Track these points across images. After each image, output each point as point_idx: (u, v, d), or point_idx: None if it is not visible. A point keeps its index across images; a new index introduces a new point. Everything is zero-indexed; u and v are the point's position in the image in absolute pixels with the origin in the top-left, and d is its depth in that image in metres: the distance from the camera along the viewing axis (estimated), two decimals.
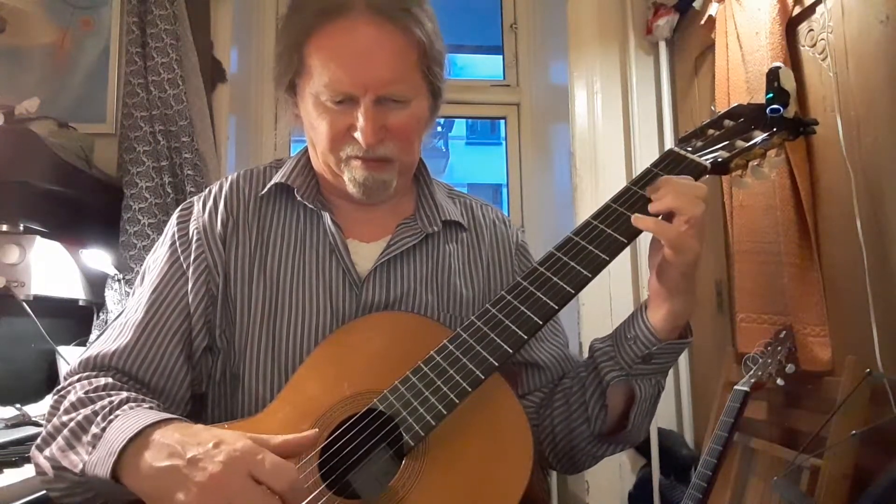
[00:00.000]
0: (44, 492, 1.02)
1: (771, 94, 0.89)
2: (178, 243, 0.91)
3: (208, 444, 0.66)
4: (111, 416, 0.73)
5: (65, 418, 0.77)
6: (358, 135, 0.85)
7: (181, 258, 0.90)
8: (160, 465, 0.66)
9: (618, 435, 0.90)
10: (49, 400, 0.83)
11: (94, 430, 0.73)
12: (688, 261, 0.78)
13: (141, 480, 0.67)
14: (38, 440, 0.79)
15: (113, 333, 0.87)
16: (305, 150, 0.98)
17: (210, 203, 0.94)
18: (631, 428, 0.88)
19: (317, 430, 0.72)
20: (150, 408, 0.76)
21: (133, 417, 0.72)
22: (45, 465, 0.76)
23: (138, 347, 0.85)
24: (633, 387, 0.85)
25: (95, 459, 0.71)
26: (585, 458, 0.93)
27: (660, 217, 0.79)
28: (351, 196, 0.92)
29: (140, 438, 0.69)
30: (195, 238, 0.91)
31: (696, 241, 0.78)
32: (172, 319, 0.87)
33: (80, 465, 0.72)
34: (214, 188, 0.97)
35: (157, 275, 0.90)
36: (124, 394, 0.78)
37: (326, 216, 0.93)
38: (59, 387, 0.83)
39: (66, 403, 0.79)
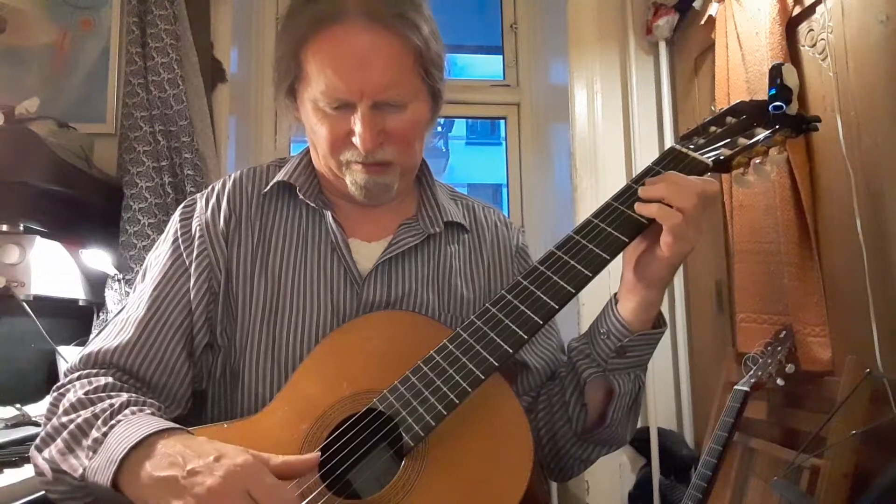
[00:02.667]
0: (44, 492, 1.02)
1: (774, 91, 0.89)
2: (180, 240, 0.91)
3: (209, 458, 0.66)
4: (112, 421, 0.73)
5: (64, 419, 0.77)
6: (356, 140, 0.84)
7: (183, 255, 0.90)
8: (160, 475, 0.66)
9: (598, 432, 0.89)
10: (49, 398, 0.82)
11: (94, 434, 0.73)
12: (683, 251, 0.78)
13: (140, 489, 0.67)
14: (38, 440, 0.78)
15: (114, 330, 0.87)
16: (307, 150, 0.98)
17: (213, 200, 0.94)
18: (610, 424, 0.87)
19: (318, 454, 0.71)
20: (152, 413, 0.76)
21: (135, 424, 0.72)
22: (45, 466, 0.76)
23: (140, 344, 0.85)
24: (611, 382, 0.85)
25: (96, 466, 0.70)
26: (572, 461, 0.92)
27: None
28: (353, 197, 0.92)
29: (142, 447, 0.69)
30: (198, 235, 0.91)
31: (695, 233, 0.78)
32: (174, 316, 0.87)
33: (80, 470, 0.72)
34: (217, 185, 0.97)
35: (158, 271, 0.90)
36: (125, 396, 0.78)
37: (328, 215, 0.93)
38: (58, 384, 0.83)
39: (65, 403, 0.78)
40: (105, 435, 0.72)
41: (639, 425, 2.02)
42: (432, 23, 0.88)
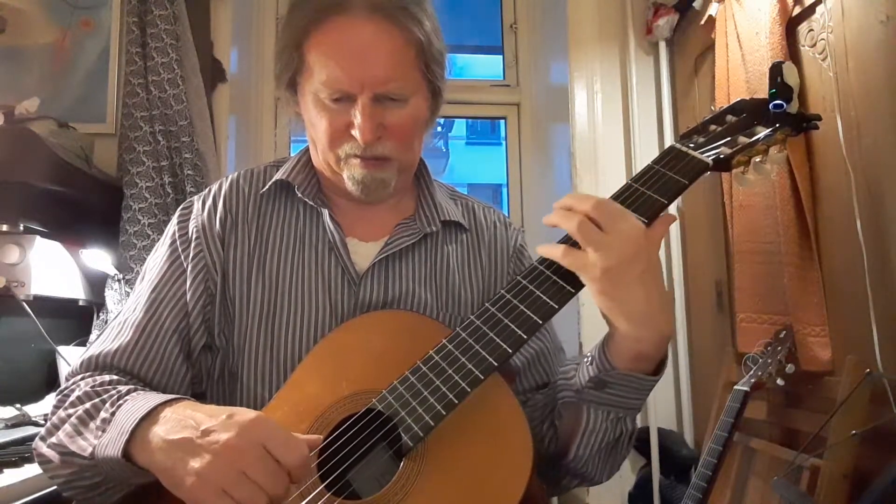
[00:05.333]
0: (43, 492, 1.02)
1: (774, 90, 0.89)
2: (178, 242, 0.91)
3: (221, 416, 0.67)
4: (120, 402, 0.74)
5: (71, 410, 0.78)
6: (356, 133, 0.85)
7: (181, 257, 0.90)
8: (173, 438, 0.67)
9: (564, 463, 0.85)
10: (52, 399, 0.82)
11: (103, 415, 0.74)
12: (591, 276, 0.72)
13: (153, 454, 0.68)
14: (42, 431, 0.79)
15: (112, 333, 0.87)
16: (307, 149, 0.98)
17: (209, 202, 0.94)
18: (573, 459, 0.82)
19: (321, 436, 0.72)
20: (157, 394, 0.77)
21: (142, 399, 0.73)
22: (50, 453, 0.76)
23: (139, 346, 0.85)
24: (581, 412, 0.81)
25: (106, 441, 0.71)
26: (545, 480, 0.88)
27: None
28: (351, 194, 0.92)
29: (151, 416, 0.70)
30: (194, 237, 0.91)
31: (586, 257, 0.72)
32: (171, 318, 0.87)
33: (90, 449, 0.72)
34: (214, 187, 0.97)
35: (156, 273, 0.90)
36: (131, 385, 0.79)
37: (325, 213, 0.93)
38: (61, 387, 0.83)
39: (71, 398, 0.79)
40: (113, 414, 0.73)
41: (639, 425, 2.02)
42: (434, 20, 0.89)
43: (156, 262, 0.92)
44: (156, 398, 0.73)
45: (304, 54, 0.86)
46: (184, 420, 0.68)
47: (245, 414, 0.67)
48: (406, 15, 0.84)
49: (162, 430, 0.68)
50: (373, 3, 0.83)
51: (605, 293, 0.73)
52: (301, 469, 0.65)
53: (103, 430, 0.72)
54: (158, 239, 0.97)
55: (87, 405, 0.76)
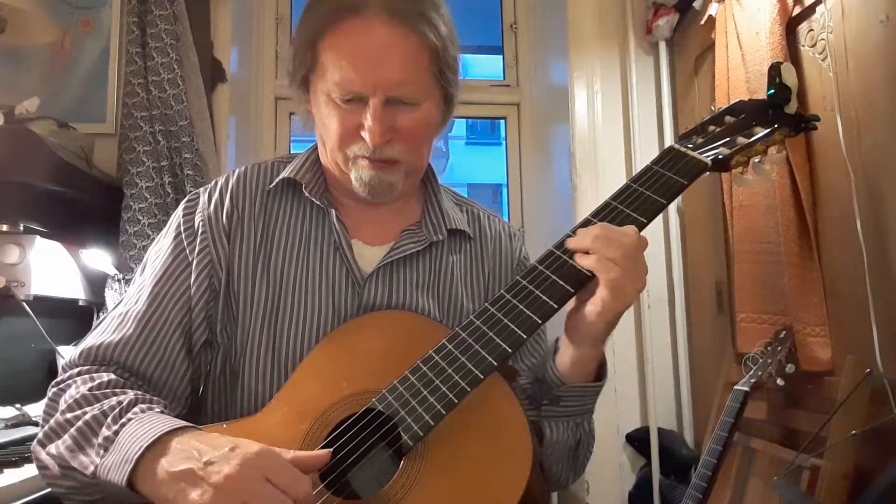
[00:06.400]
0: (43, 492, 1.02)
1: (772, 90, 0.89)
2: (183, 234, 0.91)
3: (224, 448, 0.66)
4: (122, 419, 0.73)
5: (69, 415, 0.76)
6: (365, 134, 0.85)
7: (186, 250, 0.89)
8: (176, 470, 0.66)
9: None
10: (48, 393, 0.81)
11: (105, 432, 0.72)
12: (618, 309, 0.76)
13: (157, 485, 0.67)
14: (40, 435, 0.78)
15: (112, 324, 0.86)
16: (315, 147, 0.97)
17: (216, 196, 0.93)
18: (543, 469, 0.86)
19: (330, 450, 0.72)
20: (161, 412, 0.76)
21: (147, 423, 0.71)
22: (50, 462, 0.75)
23: (141, 340, 0.84)
24: (543, 427, 0.85)
25: (109, 464, 0.70)
26: None
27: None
28: (357, 195, 0.92)
29: (157, 445, 0.69)
30: (200, 230, 0.90)
31: (633, 289, 0.75)
32: (174, 313, 0.86)
33: (91, 468, 0.71)
34: (221, 181, 0.96)
35: (160, 266, 0.89)
36: (131, 393, 0.77)
37: (332, 213, 0.92)
38: (57, 379, 0.82)
39: (68, 399, 0.77)
40: (116, 433, 0.72)
41: (639, 425, 2.03)
42: (451, 25, 0.88)
43: (159, 253, 0.91)
44: (162, 423, 0.71)
45: (319, 54, 0.86)
46: (187, 451, 0.67)
47: (249, 446, 0.67)
48: (422, 20, 0.84)
49: (166, 462, 0.67)
50: (389, 7, 0.83)
51: (610, 323, 0.78)
52: (306, 500, 0.65)
53: (105, 449, 0.71)
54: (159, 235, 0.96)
55: (88, 416, 0.75)
